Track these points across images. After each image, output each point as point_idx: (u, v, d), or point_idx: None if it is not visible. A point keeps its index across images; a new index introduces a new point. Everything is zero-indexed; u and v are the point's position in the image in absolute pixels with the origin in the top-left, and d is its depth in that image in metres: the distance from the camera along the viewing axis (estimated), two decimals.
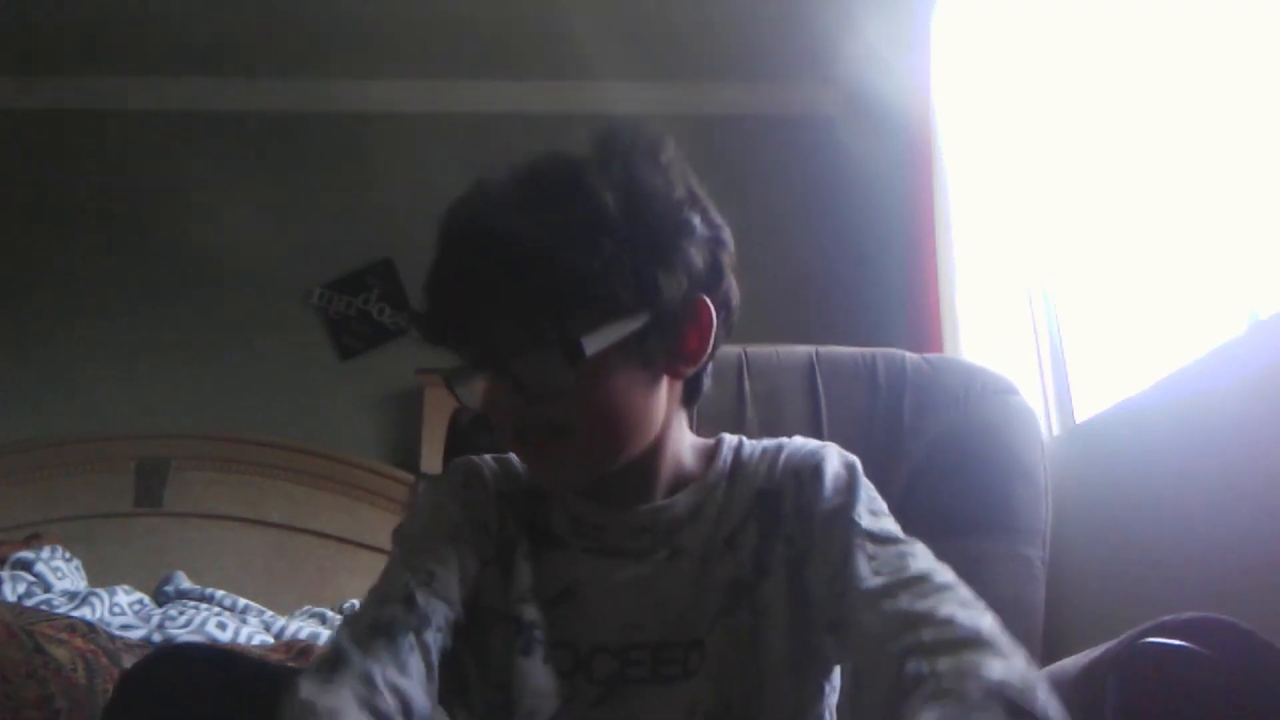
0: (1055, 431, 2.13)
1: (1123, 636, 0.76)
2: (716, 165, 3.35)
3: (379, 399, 3.20)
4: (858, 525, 0.79)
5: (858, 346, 1.32)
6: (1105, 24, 2.04)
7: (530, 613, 0.82)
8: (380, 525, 2.92)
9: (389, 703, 0.72)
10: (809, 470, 0.85)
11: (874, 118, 2.77)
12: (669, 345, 0.81)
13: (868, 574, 0.76)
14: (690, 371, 0.84)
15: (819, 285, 3.14)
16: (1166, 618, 0.73)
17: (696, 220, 0.82)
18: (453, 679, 0.82)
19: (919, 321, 2.45)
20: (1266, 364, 1.40)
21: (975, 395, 1.23)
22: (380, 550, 2.88)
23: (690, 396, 0.89)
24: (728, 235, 0.86)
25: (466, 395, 0.82)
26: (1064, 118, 2.21)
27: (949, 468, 1.15)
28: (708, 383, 0.89)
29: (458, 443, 1.31)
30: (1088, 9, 2.10)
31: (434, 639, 0.78)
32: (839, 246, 3.16)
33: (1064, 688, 0.75)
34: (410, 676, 0.75)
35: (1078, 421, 2.08)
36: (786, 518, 0.84)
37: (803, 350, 1.30)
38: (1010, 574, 1.19)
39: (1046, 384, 2.19)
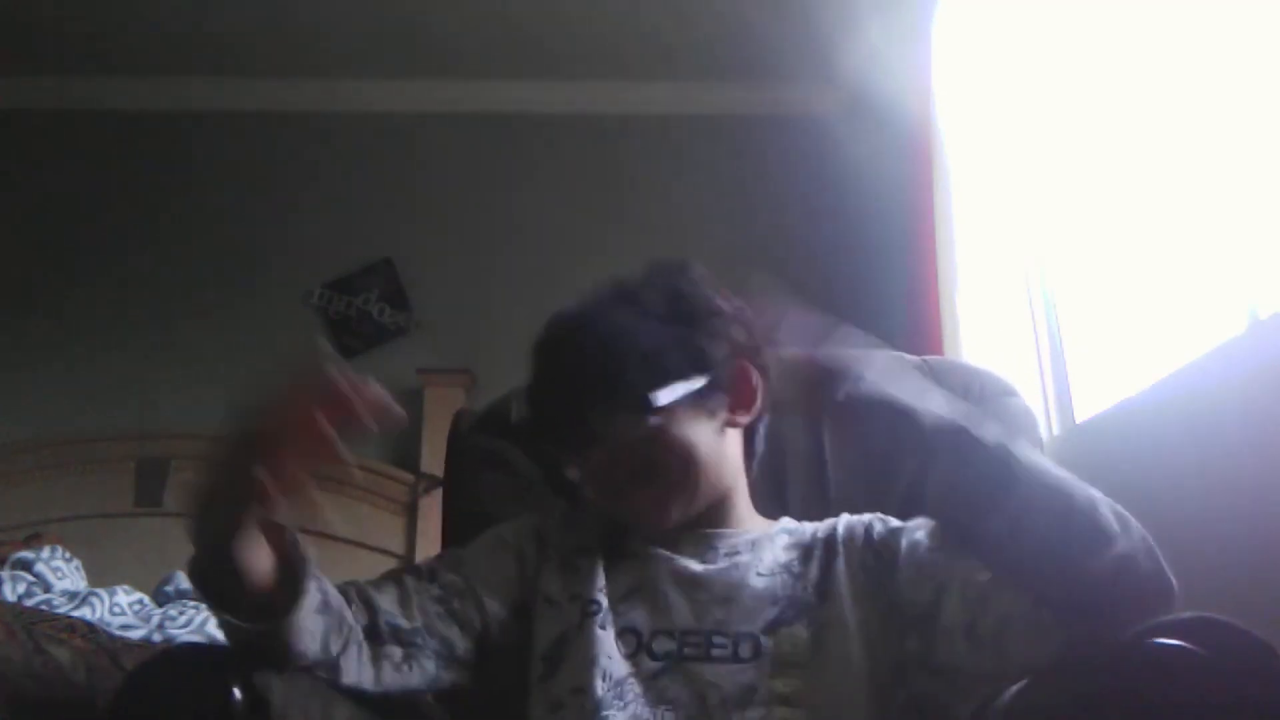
0: (1055, 431, 2.13)
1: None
2: (717, 165, 3.33)
3: None
4: (911, 526, 0.99)
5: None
6: (1106, 27, 2.04)
7: (605, 600, 0.99)
8: (380, 525, 2.92)
9: (351, 593, 0.92)
10: (870, 520, 1.03)
11: (875, 118, 2.77)
12: (727, 400, 1.02)
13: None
14: (746, 420, 1.04)
15: (819, 285, 3.13)
16: (1163, 618, 0.73)
17: (726, 305, 1.04)
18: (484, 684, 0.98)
19: (920, 322, 2.45)
20: (1266, 363, 1.40)
21: (974, 397, 1.23)
22: (381, 550, 2.87)
23: (748, 456, 1.08)
24: (755, 319, 1.07)
25: (575, 475, 1.05)
26: (1065, 118, 2.21)
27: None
28: (761, 446, 1.09)
29: (459, 443, 1.32)
30: (1089, 11, 2.11)
31: (418, 588, 0.97)
32: (839, 247, 3.15)
33: (1060, 686, 0.75)
34: (382, 593, 0.95)
35: (1078, 421, 2.08)
36: (857, 551, 1.00)
37: None
38: None
39: (1046, 384, 2.19)
